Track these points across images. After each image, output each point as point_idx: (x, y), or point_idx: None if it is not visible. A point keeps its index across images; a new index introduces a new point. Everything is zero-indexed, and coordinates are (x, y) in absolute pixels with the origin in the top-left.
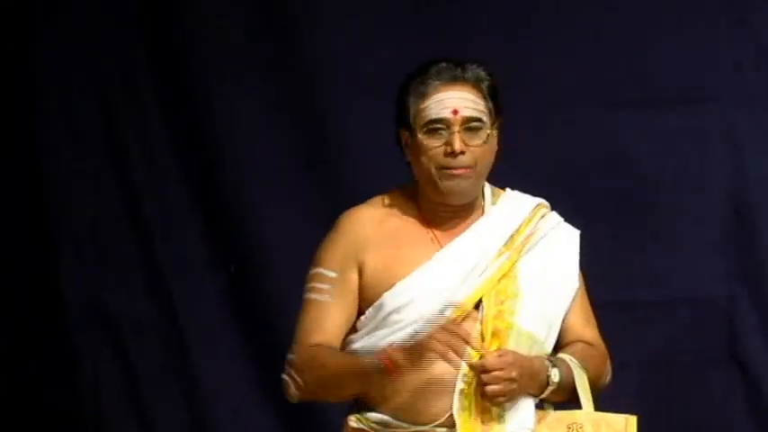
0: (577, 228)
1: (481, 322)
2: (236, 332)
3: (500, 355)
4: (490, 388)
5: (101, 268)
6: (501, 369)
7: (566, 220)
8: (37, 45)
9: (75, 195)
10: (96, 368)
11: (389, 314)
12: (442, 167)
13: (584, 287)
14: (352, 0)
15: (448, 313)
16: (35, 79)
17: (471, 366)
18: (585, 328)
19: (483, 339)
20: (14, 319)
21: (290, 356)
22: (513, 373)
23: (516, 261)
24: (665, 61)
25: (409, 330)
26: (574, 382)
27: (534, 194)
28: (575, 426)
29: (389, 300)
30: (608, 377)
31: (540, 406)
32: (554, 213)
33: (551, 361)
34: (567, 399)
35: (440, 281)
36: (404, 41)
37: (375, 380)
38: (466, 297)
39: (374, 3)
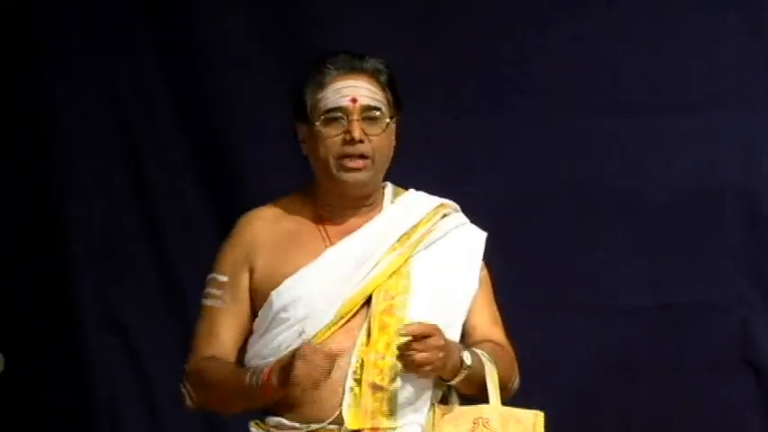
0: (589, 232)
1: (369, 317)
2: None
3: (425, 325)
4: (421, 355)
5: (114, 277)
6: (430, 335)
7: (575, 225)
8: (43, 51)
9: (87, 203)
10: (111, 378)
11: (278, 312)
12: (340, 156)
13: (490, 289)
14: None
15: (336, 308)
16: (44, 83)
17: (406, 331)
18: (492, 329)
19: (369, 335)
20: (27, 331)
21: (186, 367)
22: (441, 342)
23: (409, 257)
24: (673, 65)
25: (297, 328)
26: (483, 374)
27: (544, 199)
28: (480, 420)
29: (276, 298)
30: (517, 381)
31: (444, 402)
32: (459, 215)
33: (460, 346)
34: (474, 392)
35: (327, 277)
36: (412, 45)
37: (258, 398)
38: (354, 292)
39: (382, 3)
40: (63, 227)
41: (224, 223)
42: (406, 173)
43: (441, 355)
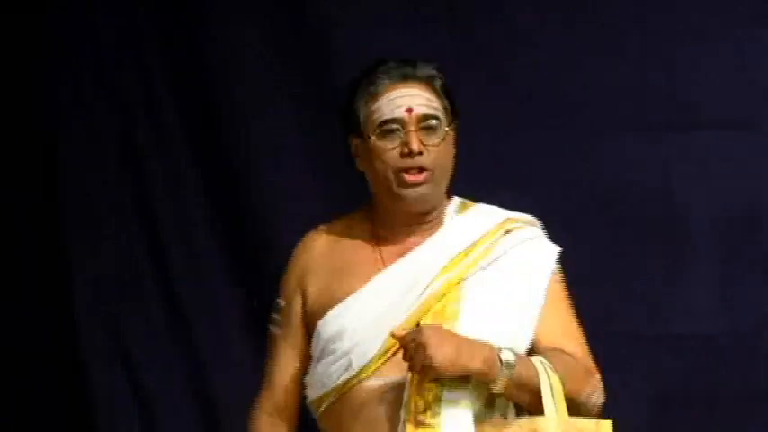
0: (617, 258)
1: None
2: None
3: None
4: (411, 362)
5: (120, 308)
6: (412, 338)
7: (602, 249)
8: (56, 79)
9: (95, 232)
10: (113, 408)
11: (326, 343)
12: (399, 170)
13: (559, 302)
14: (375, 4)
15: (382, 340)
16: (55, 112)
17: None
18: (562, 341)
19: None
20: (30, 363)
21: (257, 402)
22: (423, 338)
23: (463, 279)
24: (713, 84)
25: (344, 361)
26: (536, 381)
27: (571, 222)
28: None
29: (323, 328)
30: (596, 396)
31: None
32: (528, 228)
33: (501, 346)
34: (532, 401)
35: (374, 306)
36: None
37: None
38: (400, 322)
39: (401, 10)
40: (69, 257)
41: (233, 249)
42: None
43: (427, 352)
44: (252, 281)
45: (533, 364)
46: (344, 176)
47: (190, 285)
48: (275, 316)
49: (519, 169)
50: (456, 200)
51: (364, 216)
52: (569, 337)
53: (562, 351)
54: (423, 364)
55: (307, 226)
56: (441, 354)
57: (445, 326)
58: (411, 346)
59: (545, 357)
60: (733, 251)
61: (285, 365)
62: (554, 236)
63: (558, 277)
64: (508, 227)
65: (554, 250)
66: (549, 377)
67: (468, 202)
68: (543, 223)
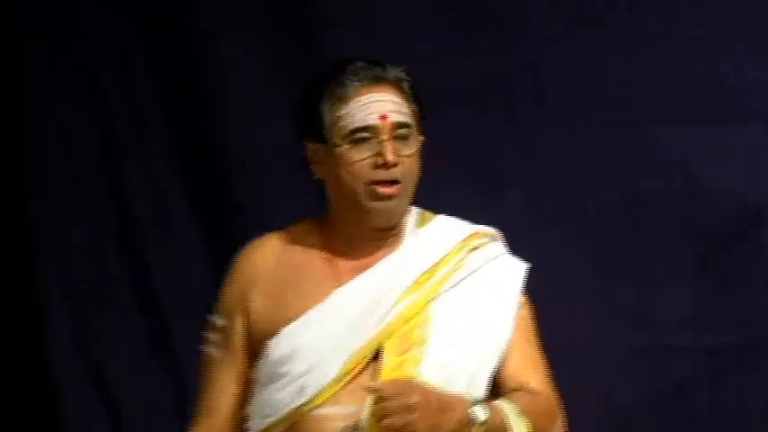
0: (644, 264)
1: (378, 375)
2: None
3: (397, 382)
4: (386, 421)
5: (93, 319)
6: (398, 395)
7: (630, 256)
8: (31, 84)
9: (67, 229)
10: (86, 423)
11: (276, 366)
12: (371, 182)
13: (527, 329)
14: (375, 4)
15: (341, 363)
16: (28, 113)
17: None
18: (529, 375)
19: None
20: None
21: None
22: (413, 400)
23: (430, 301)
24: (720, 77)
25: (297, 385)
26: (506, 429)
27: (597, 227)
28: None
29: (273, 349)
30: None
31: None
32: (495, 244)
33: (474, 400)
34: None
35: (332, 326)
36: (436, 54)
37: None
38: (362, 345)
39: (401, 10)
40: (39, 270)
41: (220, 250)
42: (436, 190)
43: (413, 416)
44: None
45: (502, 411)
46: None
47: (172, 288)
48: (211, 335)
49: (519, 169)
50: (414, 211)
51: (315, 226)
52: (536, 371)
53: (529, 390)
54: (403, 426)
55: None
56: (425, 420)
57: (411, 352)
58: (395, 404)
59: (513, 400)
60: (737, 256)
61: (224, 392)
62: (553, 235)
63: (526, 304)
64: (474, 243)
65: (521, 268)
66: (518, 424)
67: (428, 214)
68: (543, 223)
